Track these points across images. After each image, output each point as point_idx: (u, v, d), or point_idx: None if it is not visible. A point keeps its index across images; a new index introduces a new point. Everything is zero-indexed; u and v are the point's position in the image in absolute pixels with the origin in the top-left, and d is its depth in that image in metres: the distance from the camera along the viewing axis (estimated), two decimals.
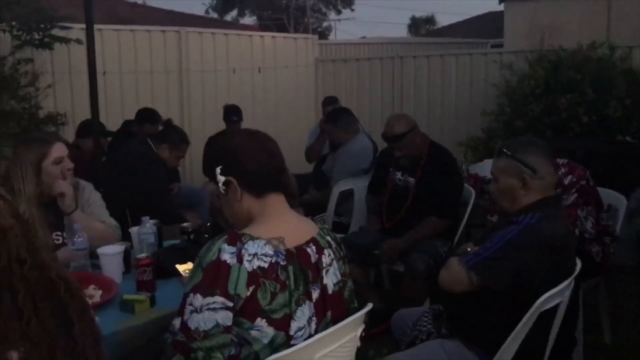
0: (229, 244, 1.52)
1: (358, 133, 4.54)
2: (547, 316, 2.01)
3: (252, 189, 1.65)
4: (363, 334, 1.75)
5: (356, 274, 3.54)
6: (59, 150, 2.47)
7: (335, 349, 1.62)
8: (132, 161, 3.85)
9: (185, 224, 2.54)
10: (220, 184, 1.66)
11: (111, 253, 2.22)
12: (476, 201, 3.64)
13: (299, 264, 1.58)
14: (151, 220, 2.46)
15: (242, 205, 1.66)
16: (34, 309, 1.16)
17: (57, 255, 1.40)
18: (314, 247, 1.64)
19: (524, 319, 1.93)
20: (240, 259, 1.50)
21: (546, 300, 1.95)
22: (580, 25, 8.51)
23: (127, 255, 2.31)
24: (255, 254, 1.51)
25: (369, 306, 1.75)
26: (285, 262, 1.55)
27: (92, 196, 2.61)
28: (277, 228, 1.61)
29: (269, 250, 1.54)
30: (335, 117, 4.67)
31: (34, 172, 2.41)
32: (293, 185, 5.67)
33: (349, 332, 1.68)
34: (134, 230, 2.49)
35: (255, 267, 1.50)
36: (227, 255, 1.50)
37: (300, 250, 1.61)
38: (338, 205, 4.25)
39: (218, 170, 1.65)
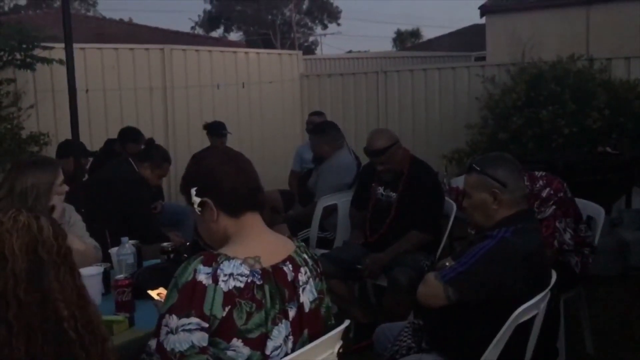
0: (204, 265, 1.52)
1: (341, 148, 4.55)
2: (524, 328, 2.03)
3: (228, 209, 1.66)
4: (341, 351, 1.76)
5: (340, 289, 3.55)
6: (61, 172, 2.56)
7: None
8: (114, 181, 3.85)
9: (165, 244, 2.54)
10: (195, 205, 1.67)
11: (90, 274, 2.21)
12: (457, 214, 3.66)
13: (275, 283, 1.59)
14: (131, 241, 2.46)
15: (219, 225, 1.67)
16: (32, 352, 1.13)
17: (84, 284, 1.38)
18: (290, 266, 1.65)
19: (501, 332, 1.95)
20: (215, 280, 1.50)
21: (522, 312, 1.98)
22: (560, 38, 8.65)
23: (106, 276, 2.31)
24: (231, 274, 1.52)
25: (346, 323, 1.76)
26: (261, 282, 1.56)
27: (73, 217, 2.61)
28: (254, 247, 1.62)
29: (244, 269, 1.54)
30: (322, 129, 4.67)
31: (49, 193, 2.45)
32: (278, 201, 5.61)
33: (325, 349, 1.68)
34: (113, 251, 2.49)
35: (231, 287, 1.51)
36: (203, 275, 1.51)
37: (277, 268, 1.61)
38: (323, 220, 4.26)
39: (193, 191, 1.66)
